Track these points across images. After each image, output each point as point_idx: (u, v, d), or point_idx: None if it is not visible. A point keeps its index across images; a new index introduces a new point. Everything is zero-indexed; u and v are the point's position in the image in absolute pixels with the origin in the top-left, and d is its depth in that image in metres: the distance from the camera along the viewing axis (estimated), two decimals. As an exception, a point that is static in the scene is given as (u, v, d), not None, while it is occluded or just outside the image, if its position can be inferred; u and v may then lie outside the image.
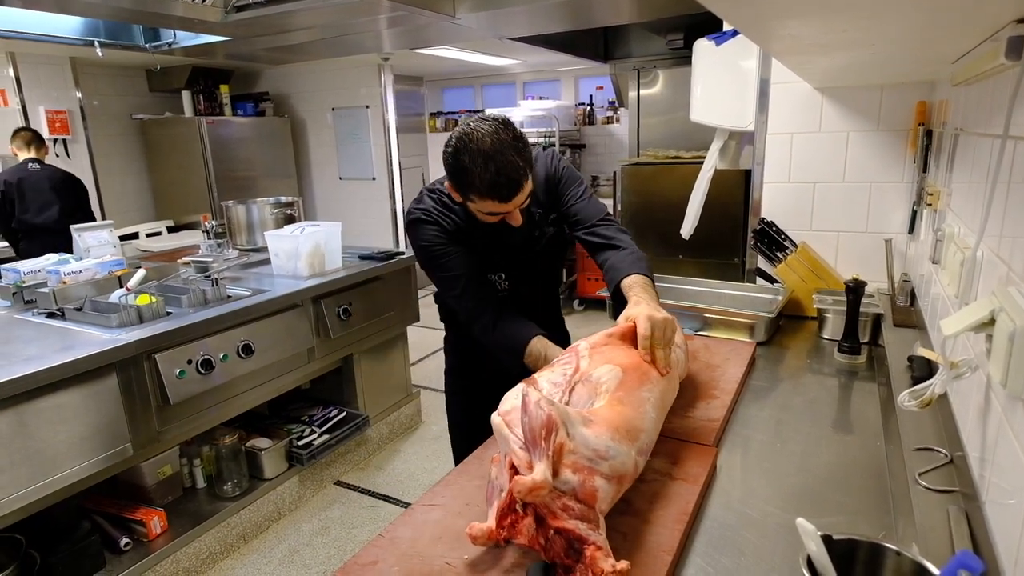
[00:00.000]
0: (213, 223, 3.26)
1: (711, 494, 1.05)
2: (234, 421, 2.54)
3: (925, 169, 1.73)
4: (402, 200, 5.96)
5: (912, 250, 1.92)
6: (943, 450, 1.04)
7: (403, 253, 3.17)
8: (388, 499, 2.80)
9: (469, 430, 1.71)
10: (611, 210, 2.16)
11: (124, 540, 2.17)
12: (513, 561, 0.87)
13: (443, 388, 1.84)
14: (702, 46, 2.57)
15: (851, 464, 1.13)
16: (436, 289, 1.62)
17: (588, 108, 6.34)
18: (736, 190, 3.96)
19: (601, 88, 6.28)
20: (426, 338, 4.57)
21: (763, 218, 2.13)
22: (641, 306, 1.22)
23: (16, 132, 3.88)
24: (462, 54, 4.93)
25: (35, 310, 2.29)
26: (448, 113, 7.01)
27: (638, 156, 4.86)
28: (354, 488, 2.89)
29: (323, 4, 2.90)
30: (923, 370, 1.24)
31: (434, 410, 3.57)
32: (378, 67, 5.55)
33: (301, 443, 2.75)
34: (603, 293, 1.92)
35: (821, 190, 2.06)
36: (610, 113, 6.26)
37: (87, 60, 4.71)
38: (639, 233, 4.03)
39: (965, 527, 0.84)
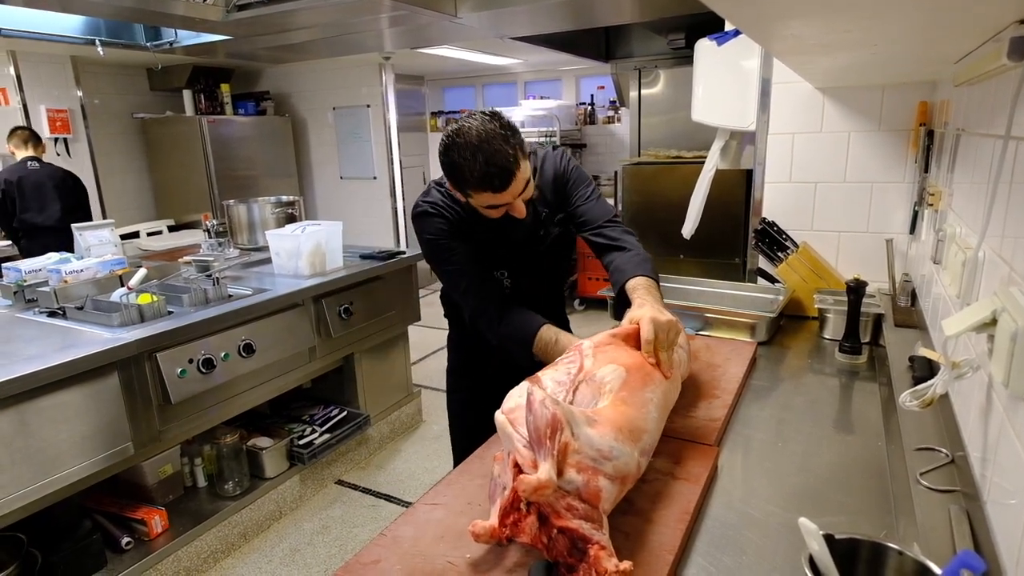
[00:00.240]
0: (214, 222, 3.26)
1: (713, 494, 1.06)
2: (235, 420, 2.54)
3: (926, 169, 1.73)
4: (403, 199, 5.96)
5: (913, 250, 1.93)
6: (944, 450, 1.04)
7: (404, 252, 3.17)
8: (389, 498, 2.80)
9: (470, 430, 1.70)
10: (612, 210, 2.15)
11: (125, 539, 2.17)
12: (516, 560, 0.88)
13: (444, 387, 1.84)
14: (704, 46, 2.56)
15: (852, 464, 1.14)
16: (439, 287, 1.61)
17: (589, 108, 6.34)
18: (737, 190, 3.96)
19: (602, 88, 6.27)
20: (427, 337, 4.57)
21: (764, 218, 2.13)
22: (645, 308, 1.21)
23: (13, 131, 3.88)
24: (463, 53, 4.93)
25: (36, 309, 2.29)
26: (449, 112, 6.99)
27: (639, 156, 4.86)
28: (355, 487, 2.89)
29: (324, 3, 2.90)
30: (924, 370, 1.24)
31: (435, 409, 3.57)
32: (379, 66, 5.55)
33: (302, 442, 2.75)
34: (604, 293, 1.92)
35: (822, 190, 2.06)
36: (611, 113, 6.26)
37: (88, 59, 4.71)
38: (640, 233, 4.00)
39: (966, 527, 0.84)
